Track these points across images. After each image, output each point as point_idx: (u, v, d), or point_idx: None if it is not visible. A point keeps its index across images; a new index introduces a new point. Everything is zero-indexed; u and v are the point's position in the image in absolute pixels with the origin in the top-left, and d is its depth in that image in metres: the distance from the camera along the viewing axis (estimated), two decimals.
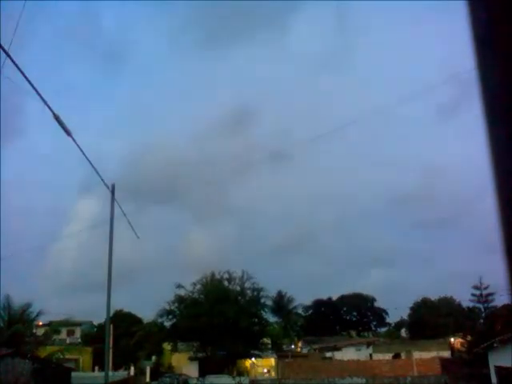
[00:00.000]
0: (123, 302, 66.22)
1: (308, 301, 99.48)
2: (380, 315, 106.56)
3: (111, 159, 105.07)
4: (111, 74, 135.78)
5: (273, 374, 60.58)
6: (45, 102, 15.23)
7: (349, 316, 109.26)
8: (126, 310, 67.00)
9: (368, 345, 71.46)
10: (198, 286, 61.34)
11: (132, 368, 50.98)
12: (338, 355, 68.06)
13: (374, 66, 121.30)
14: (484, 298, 65.90)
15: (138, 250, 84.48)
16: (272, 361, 62.64)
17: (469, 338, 55.41)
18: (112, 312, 35.15)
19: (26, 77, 13.48)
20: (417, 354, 59.79)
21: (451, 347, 63.70)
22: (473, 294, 66.87)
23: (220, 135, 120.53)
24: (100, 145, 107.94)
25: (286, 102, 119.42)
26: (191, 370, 57.16)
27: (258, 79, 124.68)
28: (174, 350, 62.86)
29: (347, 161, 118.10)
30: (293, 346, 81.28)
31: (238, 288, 62.35)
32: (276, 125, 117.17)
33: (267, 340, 67.18)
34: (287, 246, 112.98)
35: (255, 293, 62.36)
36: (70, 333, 68.15)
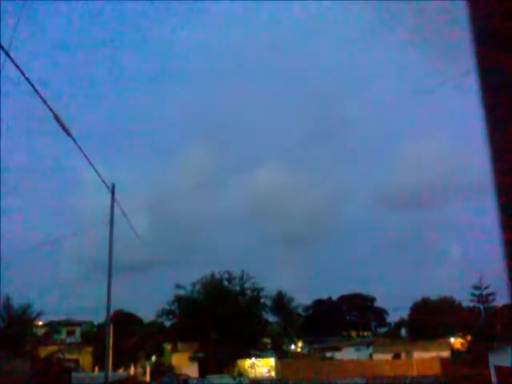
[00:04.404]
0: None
1: (308, 301, 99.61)
2: (380, 315, 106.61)
3: None
4: None
5: (273, 373, 60.56)
6: (45, 102, 15.22)
7: (349, 316, 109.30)
8: (126, 309, 66.96)
9: (368, 345, 71.49)
10: (198, 286, 61.46)
11: (132, 368, 51.04)
12: (338, 355, 68.08)
13: None
14: (484, 297, 65.90)
15: None
16: (272, 361, 62.62)
17: (469, 337, 55.46)
18: (112, 312, 35.14)
19: (26, 77, 13.46)
20: (417, 354, 59.78)
21: (451, 347, 63.69)
22: (473, 294, 66.89)
23: None
24: None
25: None
26: (191, 370, 57.13)
27: None
28: (174, 350, 62.91)
29: None
30: (293, 346, 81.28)
31: (238, 288, 62.45)
32: None
33: (267, 340, 67.20)
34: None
35: (255, 293, 62.45)
36: (70, 333, 68.17)
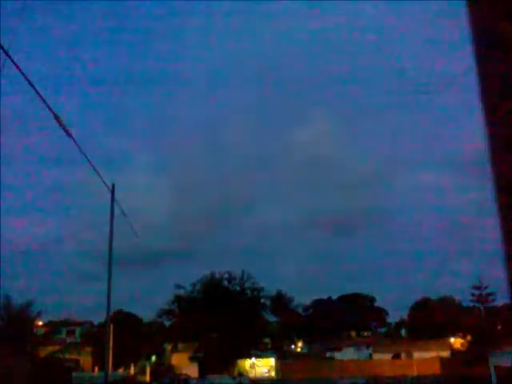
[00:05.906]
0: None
1: (308, 300, 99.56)
2: (380, 315, 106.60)
3: None
4: None
5: (273, 374, 60.55)
6: (45, 102, 15.22)
7: (349, 316, 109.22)
8: (126, 309, 66.99)
9: (368, 345, 71.45)
10: (198, 286, 61.45)
11: (132, 368, 51.04)
12: (338, 355, 68.06)
13: None
14: (484, 297, 65.84)
15: None
16: (272, 361, 62.61)
17: (469, 338, 55.45)
18: (112, 312, 35.14)
19: (26, 77, 13.45)
20: (417, 354, 59.75)
21: (451, 347, 63.66)
22: (473, 294, 66.83)
23: None
24: None
25: None
26: (191, 370, 57.12)
27: None
28: (174, 350, 62.93)
29: None
30: (293, 346, 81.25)
31: (238, 288, 62.45)
32: None
33: (267, 340, 67.21)
34: None
35: (255, 293, 62.45)
36: (70, 333, 68.20)
